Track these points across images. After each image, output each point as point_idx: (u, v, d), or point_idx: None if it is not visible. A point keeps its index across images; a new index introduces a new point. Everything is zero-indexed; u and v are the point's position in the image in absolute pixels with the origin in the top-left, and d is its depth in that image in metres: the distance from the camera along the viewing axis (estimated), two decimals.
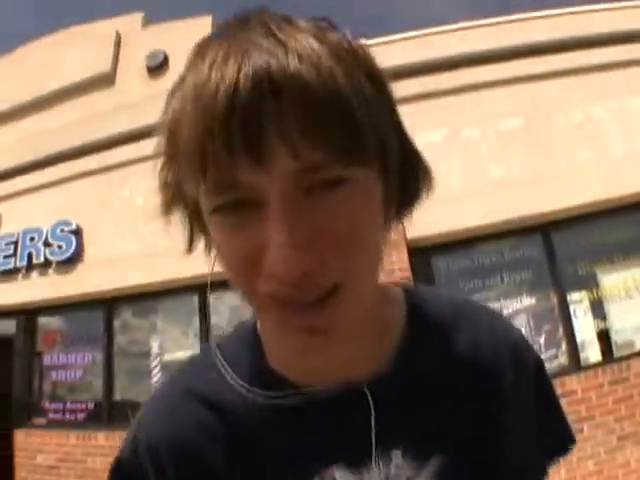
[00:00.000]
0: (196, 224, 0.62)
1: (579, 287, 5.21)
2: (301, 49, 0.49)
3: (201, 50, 0.53)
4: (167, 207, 0.61)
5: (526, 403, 0.74)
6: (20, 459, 5.93)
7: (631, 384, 4.82)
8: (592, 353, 5.04)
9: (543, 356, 4.75)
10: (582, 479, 4.59)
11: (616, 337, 5.09)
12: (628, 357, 4.96)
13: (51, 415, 6.07)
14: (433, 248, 5.24)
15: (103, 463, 5.39)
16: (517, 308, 5.12)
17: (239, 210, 0.52)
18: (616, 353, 5.03)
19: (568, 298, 5.13)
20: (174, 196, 0.59)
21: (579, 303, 5.14)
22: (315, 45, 0.50)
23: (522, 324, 4.98)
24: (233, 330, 0.76)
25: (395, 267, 4.88)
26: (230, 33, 0.52)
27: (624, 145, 5.32)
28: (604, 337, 5.09)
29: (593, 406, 4.75)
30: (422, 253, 5.19)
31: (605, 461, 4.66)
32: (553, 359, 4.99)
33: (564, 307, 5.11)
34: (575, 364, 4.96)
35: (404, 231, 4.71)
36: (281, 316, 0.54)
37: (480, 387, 0.70)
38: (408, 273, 4.91)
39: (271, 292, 0.53)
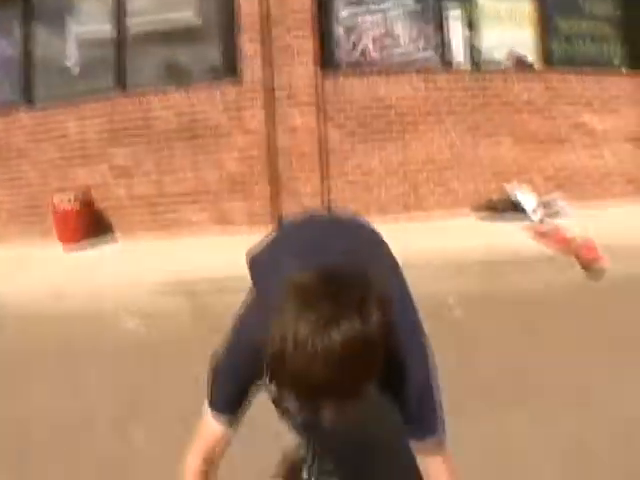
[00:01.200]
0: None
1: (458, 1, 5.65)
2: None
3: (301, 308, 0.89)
4: None
5: None
6: None
7: (494, 91, 5.51)
8: (461, 59, 5.64)
9: (420, 55, 5.50)
10: (437, 155, 5.38)
11: (480, 52, 5.66)
12: (492, 72, 5.60)
13: None
14: None
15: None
16: (400, 12, 5.48)
17: None
18: (483, 67, 5.63)
19: (446, 12, 5.57)
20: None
21: (456, 18, 5.60)
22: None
23: (405, 26, 5.47)
24: None
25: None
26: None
27: None
28: (474, 51, 5.64)
29: (457, 103, 5.43)
30: None
31: (459, 146, 5.43)
32: (428, 58, 5.52)
33: (441, 16, 5.56)
34: (445, 66, 5.55)
35: None
36: None
37: None
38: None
39: None
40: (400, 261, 1.41)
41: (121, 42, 5.38)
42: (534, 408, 2.27)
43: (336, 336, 0.86)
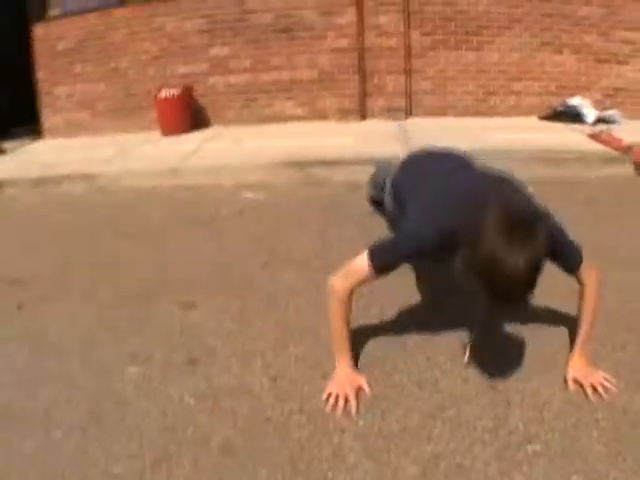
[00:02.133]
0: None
1: None
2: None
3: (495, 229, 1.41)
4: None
5: None
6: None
7: (557, 5, 5.84)
8: None
9: None
10: (507, 66, 5.87)
11: None
12: None
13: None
14: None
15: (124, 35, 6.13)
16: None
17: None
18: None
19: None
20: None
21: None
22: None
23: None
24: None
25: None
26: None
27: None
28: None
29: (525, 13, 5.81)
30: None
31: (527, 57, 5.91)
32: None
33: None
34: None
35: None
36: None
37: None
38: None
39: None
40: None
41: None
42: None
43: (531, 251, 1.39)
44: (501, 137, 4.92)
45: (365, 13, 5.59)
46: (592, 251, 1.86)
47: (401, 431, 1.61)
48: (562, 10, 5.90)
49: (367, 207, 2.80)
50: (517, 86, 5.96)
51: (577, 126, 5.30)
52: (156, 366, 2.00)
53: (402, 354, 2.00)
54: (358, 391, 1.79)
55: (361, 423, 1.66)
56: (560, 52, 5.95)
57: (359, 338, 2.02)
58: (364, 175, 3.17)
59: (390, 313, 2.26)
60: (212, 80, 5.95)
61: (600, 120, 5.45)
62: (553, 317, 2.14)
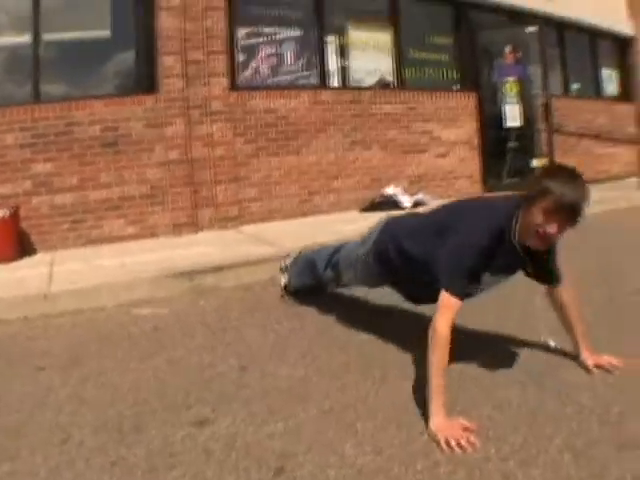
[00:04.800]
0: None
1: (333, 32, 6.78)
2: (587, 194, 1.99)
3: (559, 178, 2.00)
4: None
5: None
6: None
7: (364, 106, 6.69)
8: (336, 79, 6.85)
9: (303, 74, 6.52)
10: (325, 165, 6.42)
11: (352, 74, 6.92)
12: (360, 88, 6.82)
13: None
14: None
15: None
16: (288, 36, 6.49)
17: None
18: (352, 84, 6.87)
19: (325, 38, 6.65)
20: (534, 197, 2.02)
21: (332, 43, 6.76)
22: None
23: (290, 49, 6.50)
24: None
25: None
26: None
27: None
28: (345, 71, 6.88)
29: (337, 115, 6.50)
30: None
31: (341, 156, 6.52)
32: (309, 77, 6.59)
33: (321, 42, 6.63)
34: (324, 83, 6.64)
35: None
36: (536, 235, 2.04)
37: None
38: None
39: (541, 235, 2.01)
40: None
41: (36, 52, 5.42)
42: None
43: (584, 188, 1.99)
44: (350, 228, 5.07)
45: (192, 123, 5.65)
46: None
47: None
48: (368, 110, 6.70)
49: (279, 298, 3.28)
50: (336, 184, 6.46)
51: (399, 212, 5.93)
52: None
53: None
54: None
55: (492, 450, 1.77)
56: (370, 148, 6.68)
57: None
58: (253, 276, 3.78)
59: None
60: (36, 201, 5.38)
61: (416, 203, 6.23)
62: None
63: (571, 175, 2.02)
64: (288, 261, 3.52)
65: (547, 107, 8.20)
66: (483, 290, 2.28)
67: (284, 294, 3.49)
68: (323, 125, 6.40)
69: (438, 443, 1.80)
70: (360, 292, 3.39)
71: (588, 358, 2.34)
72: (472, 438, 1.80)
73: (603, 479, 1.62)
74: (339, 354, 2.66)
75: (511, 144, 8.19)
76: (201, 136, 5.70)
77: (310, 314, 3.25)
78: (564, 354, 2.47)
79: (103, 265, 4.57)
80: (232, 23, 5.95)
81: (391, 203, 6.18)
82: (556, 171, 2.14)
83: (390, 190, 6.39)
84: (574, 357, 2.41)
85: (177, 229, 5.57)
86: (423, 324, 2.13)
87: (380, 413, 2.06)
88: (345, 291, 3.45)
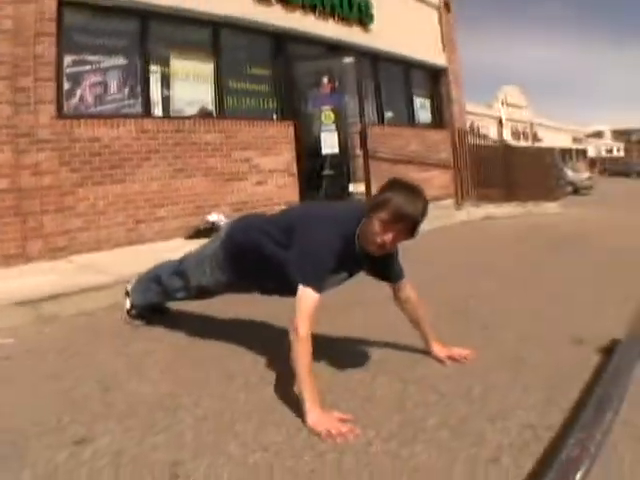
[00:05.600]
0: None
1: (157, 61, 6.89)
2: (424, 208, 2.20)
3: (399, 192, 2.19)
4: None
5: None
6: None
7: (186, 135, 6.87)
8: (160, 108, 6.94)
9: (127, 102, 6.55)
10: (150, 193, 6.49)
11: (174, 103, 7.10)
12: (182, 117, 7.02)
13: None
14: None
15: None
16: (113, 64, 6.50)
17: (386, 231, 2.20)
18: (174, 113, 7.04)
19: (149, 67, 6.77)
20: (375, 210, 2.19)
21: (156, 72, 6.89)
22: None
23: (115, 78, 6.49)
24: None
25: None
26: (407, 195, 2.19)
27: None
28: (168, 101, 7.03)
29: (160, 144, 6.63)
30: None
31: (166, 184, 6.66)
32: (134, 105, 6.67)
33: (145, 72, 6.73)
34: (148, 112, 6.75)
35: None
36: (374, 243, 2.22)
37: None
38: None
39: (378, 243, 2.19)
40: None
41: None
42: None
43: (422, 203, 2.15)
44: (177, 255, 5.06)
45: (20, 151, 5.44)
46: None
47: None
48: (189, 138, 6.91)
49: (124, 322, 3.35)
50: (161, 212, 6.58)
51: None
52: None
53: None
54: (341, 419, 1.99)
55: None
56: (193, 176, 6.91)
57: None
58: (94, 303, 3.89)
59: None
60: None
61: None
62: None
63: (412, 190, 2.17)
64: (131, 285, 3.47)
65: (363, 134, 8.74)
66: (326, 289, 2.31)
67: (128, 318, 3.48)
68: (147, 154, 6.51)
69: (320, 435, 1.89)
70: (203, 306, 3.52)
71: (440, 351, 2.58)
72: (351, 426, 1.92)
73: (483, 447, 1.81)
74: (198, 369, 2.71)
75: (328, 171, 8.75)
76: (29, 165, 5.52)
77: (160, 334, 3.30)
78: (418, 351, 2.70)
79: None
80: (61, 50, 5.86)
81: (216, 230, 6.47)
82: (398, 185, 2.22)
83: (213, 217, 6.71)
84: (427, 352, 2.65)
85: (5, 260, 5.35)
86: (275, 330, 2.34)
87: (254, 415, 2.13)
88: (190, 307, 3.57)
